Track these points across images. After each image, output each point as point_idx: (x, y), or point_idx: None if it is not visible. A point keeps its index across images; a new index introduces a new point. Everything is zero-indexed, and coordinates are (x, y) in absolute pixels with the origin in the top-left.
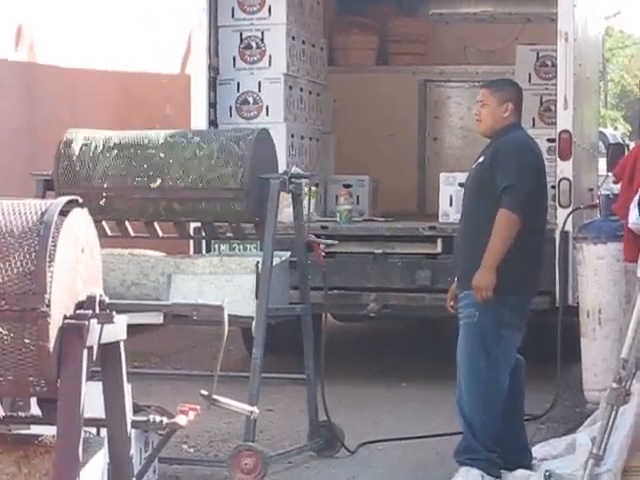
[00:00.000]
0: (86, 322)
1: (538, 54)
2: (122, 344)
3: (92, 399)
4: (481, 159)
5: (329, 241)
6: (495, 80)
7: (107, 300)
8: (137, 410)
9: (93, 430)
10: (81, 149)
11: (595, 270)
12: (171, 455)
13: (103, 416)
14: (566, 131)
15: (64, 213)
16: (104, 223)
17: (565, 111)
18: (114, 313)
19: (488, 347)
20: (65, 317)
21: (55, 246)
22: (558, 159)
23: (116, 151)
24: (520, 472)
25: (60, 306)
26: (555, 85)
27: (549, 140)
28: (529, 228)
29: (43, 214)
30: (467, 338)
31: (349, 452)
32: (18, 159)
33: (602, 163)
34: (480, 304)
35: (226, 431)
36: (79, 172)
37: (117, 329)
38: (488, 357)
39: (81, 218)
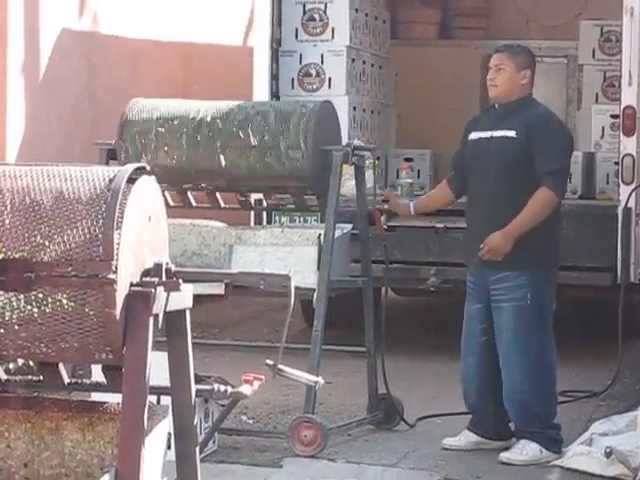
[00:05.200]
0: (152, 289)
1: (602, 29)
2: (188, 312)
3: (153, 369)
4: (509, 133)
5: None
6: (510, 45)
7: (173, 268)
8: (198, 380)
9: (153, 399)
10: (144, 119)
11: None
12: (230, 426)
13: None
14: (630, 107)
15: (131, 180)
16: (166, 193)
17: (629, 87)
18: (180, 281)
19: (543, 325)
20: (131, 284)
21: (122, 213)
22: (622, 135)
23: (178, 121)
24: (580, 448)
25: (127, 273)
26: (619, 61)
27: (612, 116)
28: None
29: (111, 181)
30: (521, 320)
31: (408, 426)
32: (80, 126)
33: None
34: (529, 283)
35: (285, 403)
36: (142, 142)
37: (183, 297)
38: (543, 335)
39: (148, 186)
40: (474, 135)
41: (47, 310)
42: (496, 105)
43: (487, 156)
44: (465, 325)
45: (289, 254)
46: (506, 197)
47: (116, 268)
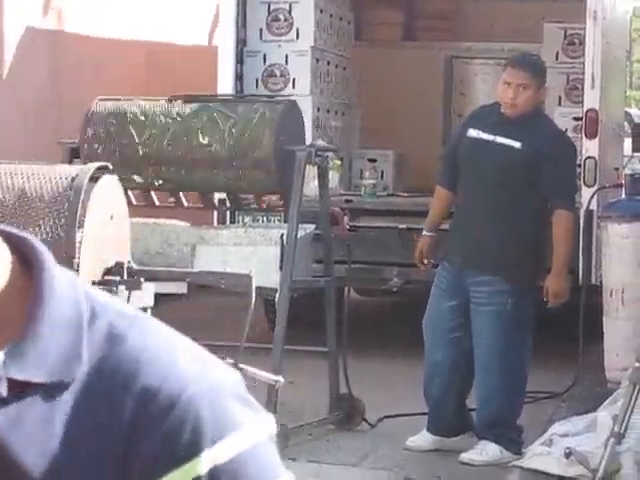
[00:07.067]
0: (114, 288)
1: (566, 32)
2: (150, 311)
3: None
4: (514, 143)
5: None
6: (528, 60)
7: (135, 267)
8: None
9: None
10: (108, 118)
11: (619, 249)
12: None
13: None
14: (593, 110)
15: (94, 179)
16: (129, 192)
17: (592, 90)
18: (142, 280)
19: (521, 333)
20: (93, 283)
21: (85, 212)
22: (584, 138)
23: (143, 120)
24: (540, 448)
25: (88, 271)
26: (582, 64)
27: (575, 119)
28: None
29: (73, 180)
30: (499, 326)
31: (369, 425)
32: (44, 126)
33: (627, 143)
34: (512, 291)
35: None
36: (106, 141)
37: (145, 296)
38: (521, 343)
39: (111, 185)
40: (473, 133)
41: None
42: (502, 109)
43: (486, 160)
44: (433, 321)
45: (252, 254)
46: (502, 205)
47: (78, 266)
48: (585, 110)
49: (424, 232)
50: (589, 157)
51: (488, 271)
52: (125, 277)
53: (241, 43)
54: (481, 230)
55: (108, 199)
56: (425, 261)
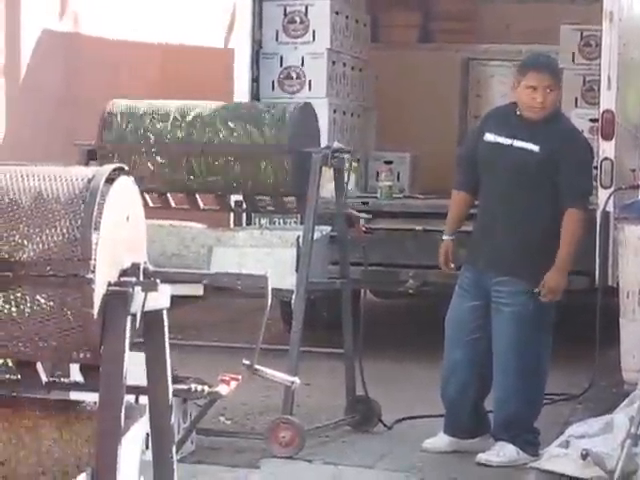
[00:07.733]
0: (130, 289)
1: (582, 34)
2: (165, 312)
3: (130, 370)
4: (532, 147)
5: (364, 215)
6: (546, 61)
7: (151, 268)
8: (176, 381)
9: (132, 399)
10: (124, 119)
11: (636, 250)
12: (208, 427)
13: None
14: (609, 111)
15: (110, 180)
16: (145, 194)
17: (608, 91)
18: (158, 281)
19: (541, 334)
20: (109, 284)
21: (101, 213)
22: (601, 139)
23: (158, 122)
24: (557, 450)
25: (105, 273)
26: (599, 65)
27: (592, 120)
28: None
29: (89, 181)
30: (520, 327)
31: (386, 427)
32: (59, 129)
33: None
34: (532, 292)
35: (263, 404)
36: (122, 142)
37: (161, 297)
38: (540, 343)
39: (127, 186)
40: (490, 137)
41: (25, 309)
42: (518, 111)
43: (504, 164)
44: (454, 321)
45: (268, 256)
46: (521, 207)
47: (94, 268)
48: (602, 111)
49: (444, 237)
50: (605, 158)
51: (508, 272)
52: (141, 278)
53: (257, 45)
54: (501, 232)
55: (124, 200)
56: (451, 265)
